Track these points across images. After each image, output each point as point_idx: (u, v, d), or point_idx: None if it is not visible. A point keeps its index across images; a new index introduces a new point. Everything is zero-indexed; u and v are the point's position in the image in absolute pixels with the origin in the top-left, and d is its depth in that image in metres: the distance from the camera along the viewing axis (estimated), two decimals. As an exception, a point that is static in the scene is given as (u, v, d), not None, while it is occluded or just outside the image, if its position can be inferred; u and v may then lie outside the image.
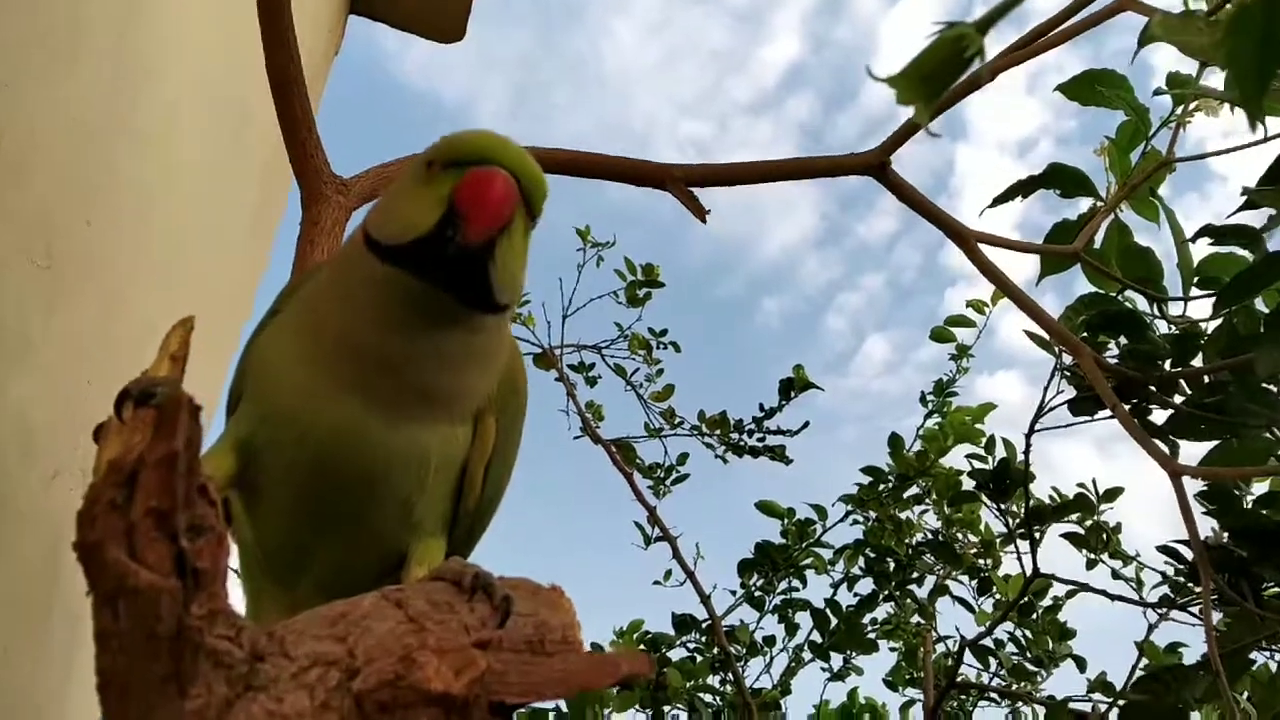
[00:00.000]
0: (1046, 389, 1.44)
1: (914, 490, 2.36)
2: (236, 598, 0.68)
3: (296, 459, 0.63)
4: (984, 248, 1.31)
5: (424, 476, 0.65)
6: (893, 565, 2.28)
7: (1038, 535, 1.52)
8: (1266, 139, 1.31)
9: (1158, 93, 1.42)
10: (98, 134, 1.41)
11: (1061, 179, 1.53)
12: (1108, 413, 1.49)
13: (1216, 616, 1.27)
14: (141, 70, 1.49)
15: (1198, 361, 1.38)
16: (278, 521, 0.66)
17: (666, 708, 2.09)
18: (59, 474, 1.42)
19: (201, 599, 0.31)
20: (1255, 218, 1.42)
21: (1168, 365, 1.33)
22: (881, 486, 2.31)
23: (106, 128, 1.43)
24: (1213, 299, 1.40)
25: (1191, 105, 1.46)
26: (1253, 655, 1.25)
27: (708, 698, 2.11)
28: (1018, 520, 1.65)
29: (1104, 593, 1.49)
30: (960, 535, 2.24)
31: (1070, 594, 2.01)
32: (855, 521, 2.40)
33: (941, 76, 0.32)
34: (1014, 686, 1.94)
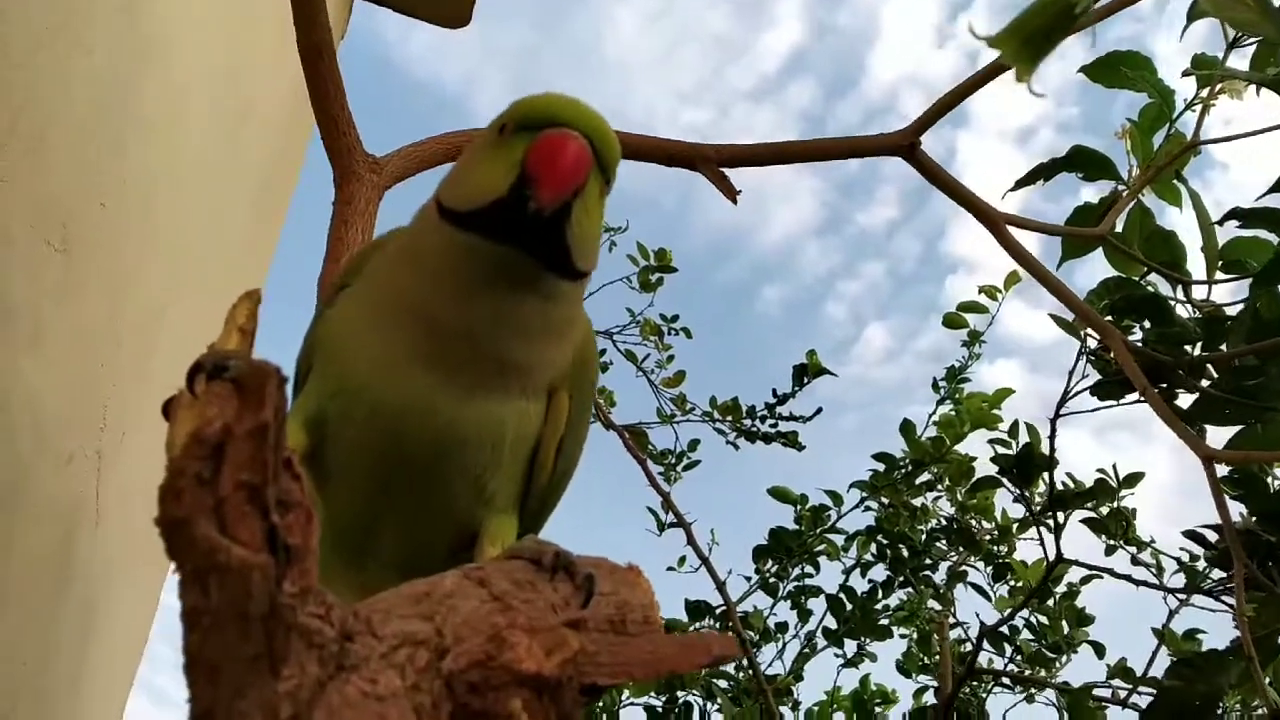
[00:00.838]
0: (1072, 373, 1.43)
1: (926, 476, 2.35)
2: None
3: (368, 433, 0.62)
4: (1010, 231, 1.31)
5: (498, 452, 0.63)
6: (907, 551, 2.27)
7: (1061, 520, 1.51)
8: (1294, 121, 1.31)
9: (1186, 74, 1.40)
10: (108, 117, 1.40)
11: (1084, 162, 1.52)
12: (1131, 398, 1.49)
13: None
14: (148, 56, 1.48)
15: (1223, 346, 1.37)
16: (348, 499, 0.64)
17: (681, 693, 2.08)
18: (73, 459, 1.41)
19: (293, 576, 0.30)
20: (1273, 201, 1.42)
21: (1196, 349, 1.32)
22: (896, 473, 2.29)
23: (116, 111, 1.42)
24: (1237, 283, 1.40)
25: (1217, 87, 1.45)
26: (1281, 640, 1.25)
27: (723, 684, 2.10)
28: (1039, 506, 1.64)
29: (1129, 578, 1.48)
30: (975, 521, 2.23)
31: (1085, 580, 2.00)
32: (868, 508, 2.39)
33: (1048, 34, 0.30)
34: (1030, 673, 1.93)
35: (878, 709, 2.48)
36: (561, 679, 0.33)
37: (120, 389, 1.54)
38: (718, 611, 2.25)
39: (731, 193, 1.07)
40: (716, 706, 2.02)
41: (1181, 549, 1.68)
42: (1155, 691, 1.59)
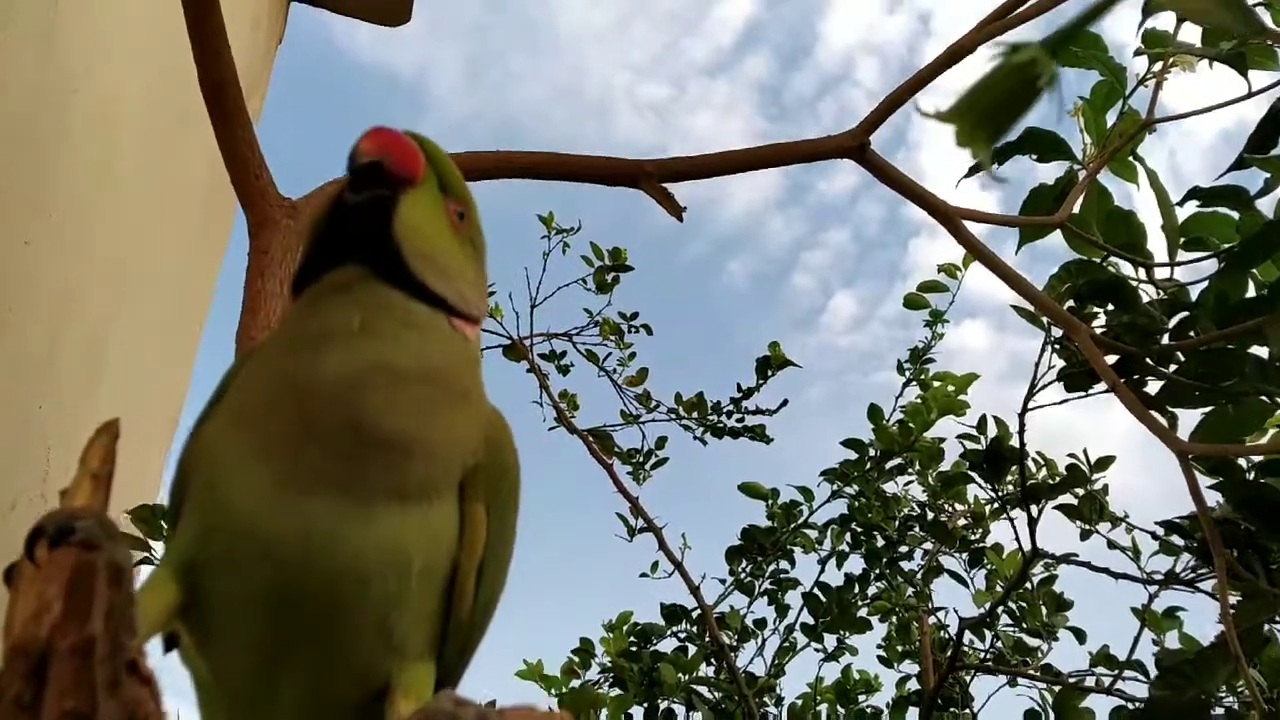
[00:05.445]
0: (1038, 365, 1.40)
1: (896, 461, 2.32)
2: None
3: (254, 579, 0.51)
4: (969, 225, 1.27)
5: (404, 586, 0.53)
6: (881, 542, 2.25)
7: (1035, 513, 1.48)
8: (1250, 95, 1.28)
9: (1138, 53, 1.37)
10: (29, 144, 1.34)
11: (1037, 143, 1.49)
12: (1100, 387, 1.46)
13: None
14: (72, 73, 1.41)
15: (1189, 327, 1.34)
16: (236, 655, 0.54)
17: (662, 703, 2.04)
18: (16, 504, 1.36)
19: (138, 817, 0.25)
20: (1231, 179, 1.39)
21: (1164, 339, 1.29)
22: (865, 463, 2.26)
23: (39, 137, 1.36)
24: (1203, 261, 1.37)
25: (1169, 61, 1.42)
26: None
27: (704, 690, 2.06)
28: (1010, 497, 1.61)
29: (1108, 571, 1.45)
30: (948, 506, 2.20)
31: (1059, 561, 1.97)
32: (838, 496, 2.35)
33: (1007, 111, 0.25)
34: (1014, 661, 1.90)
35: (861, 698, 2.46)
36: None
37: (63, 428, 1.49)
38: (694, 615, 2.22)
39: (676, 210, 1.02)
40: (699, 716, 1.98)
41: (1157, 523, 1.66)
42: (1142, 681, 1.58)
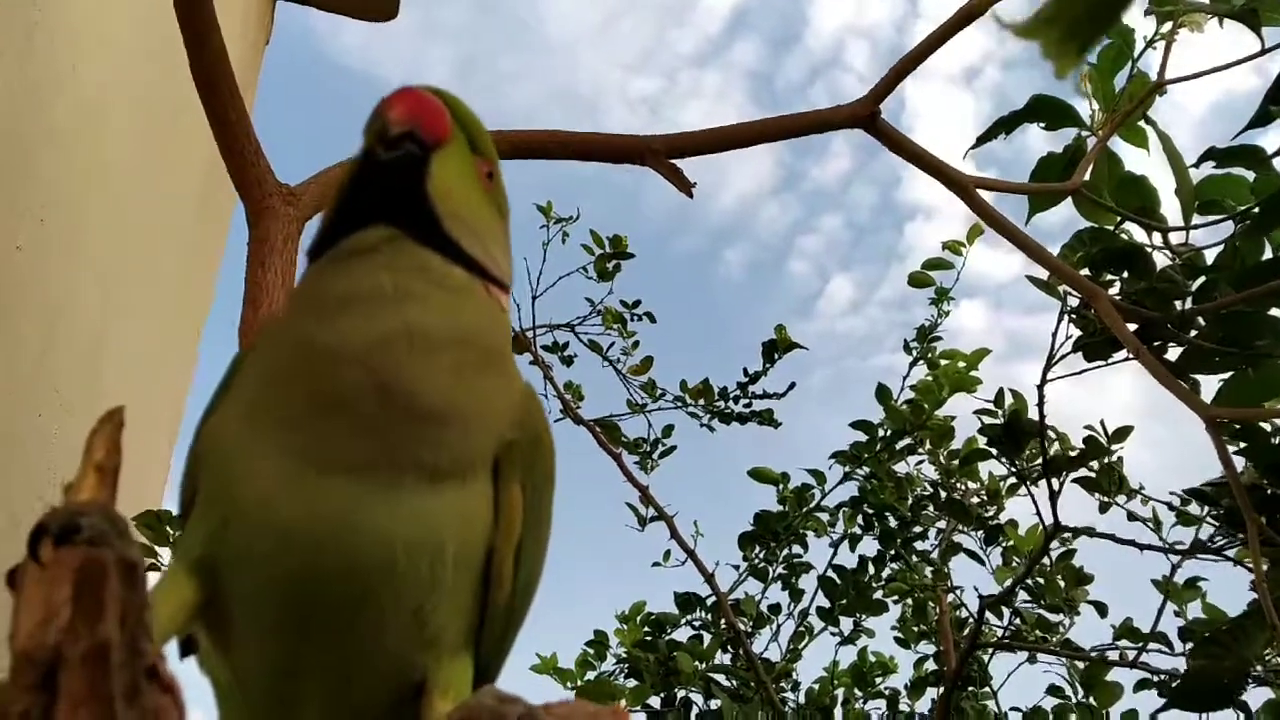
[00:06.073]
0: (1055, 335, 1.37)
1: (906, 441, 2.29)
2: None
3: (273, 570, 0.47)
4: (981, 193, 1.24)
5: (438, 572, 0.49)
6: (894, 522, 2.22)
7: (1056, 486, 1.45)
8: (1264, 51, 1.25)
9: (1148, 13, 1.34)
10: (16, 146, 1.31)
11: (1045, 111, 1.46)
12: (1120, 355, 1.43)
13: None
14: (57, 71, 1.38)
15: (1208, 292, 1.32)
16: (258, 654, 0.50)
17: (679, 692, 2.02)
18: (17, 515, 1.33)
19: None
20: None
21: (1186, 303, 1.26)
22: (876, 444, 2.23)
23: (23, 136, 1.33)
24: (1216, 225, 1.34)
25: (1177, 21, 1.40)
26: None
27: (721, 678, 2.04)
28: (1029, 471, 1.58)
29: (1132, 543, 1.43)
30: (961, 484, 2.17)
31: (1076, 534, 1.95)
32: (850, 478, 2.33)
33: (1100, 16, 0.23)
34: (1033, 638, 1.88)
35: (878, 680, 2.44)
36: None
37: (63, 437, 1.46)
38: (709, 603, 2.19)
39: (685, 186, 0.99)
40: (717, 704, 1.96)
41: (1184, 491, 1.63)
42: (1166, 653, 1.56)
